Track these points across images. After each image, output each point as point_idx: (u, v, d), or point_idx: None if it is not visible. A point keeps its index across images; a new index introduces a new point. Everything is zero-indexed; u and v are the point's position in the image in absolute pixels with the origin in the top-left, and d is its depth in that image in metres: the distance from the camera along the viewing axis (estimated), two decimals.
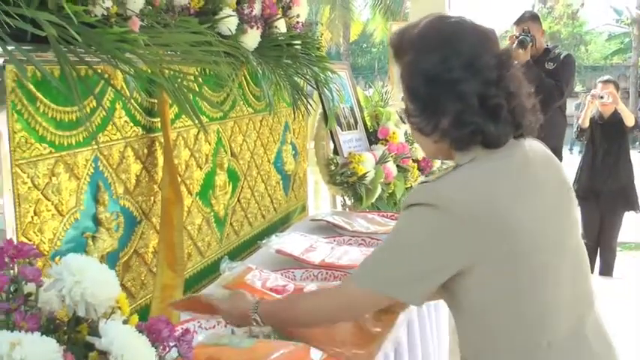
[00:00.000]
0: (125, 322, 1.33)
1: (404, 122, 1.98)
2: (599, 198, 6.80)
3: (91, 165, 1.94)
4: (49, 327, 1.26)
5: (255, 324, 1.98)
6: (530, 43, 6.24)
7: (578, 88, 25.94)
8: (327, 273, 2.69)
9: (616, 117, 6.90)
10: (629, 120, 6.86)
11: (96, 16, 1.73)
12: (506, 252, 1.75)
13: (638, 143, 18.21)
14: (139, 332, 1.32)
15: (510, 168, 1.84)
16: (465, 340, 1.93)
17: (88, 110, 1.91)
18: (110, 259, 2.04)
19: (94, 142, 1.93)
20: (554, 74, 6.37)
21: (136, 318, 1.37)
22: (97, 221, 1.98)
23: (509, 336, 1.83)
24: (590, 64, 37.93)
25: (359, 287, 1.86)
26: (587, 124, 7.02)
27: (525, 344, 1.82)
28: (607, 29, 43.03)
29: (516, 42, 6.26)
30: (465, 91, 1.79)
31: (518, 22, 6.49)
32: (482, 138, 1.82)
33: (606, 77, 7.47)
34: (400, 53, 1.95)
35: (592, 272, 6.85)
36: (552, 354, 1.81)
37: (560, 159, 6.78)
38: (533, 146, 1.95)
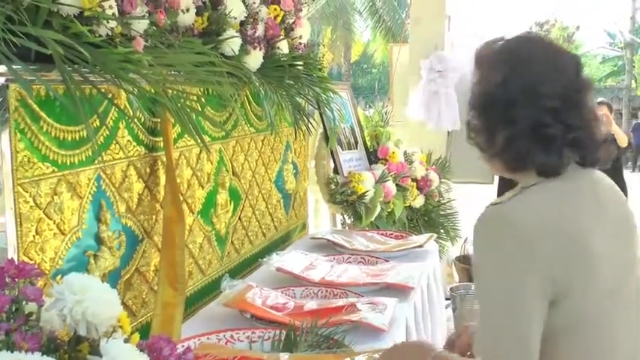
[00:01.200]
0: (126, 340, 1.31)
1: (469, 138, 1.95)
2: None
3: (93, 184, 1.92)
4: (50, 346, 1.24)
5: None
6: None
7: None
8: (326, 291, 2.68)
9: (610, 138, 6.89)
10: (623, 141, 6.90)
11: (100, 36, 1.72)
12: (582, 275, 1.69)
13: (630, 163, 18.28)
14: (140, 351, 1.30)
15: (580, 194, 1.78)
16: None
17: (91, 130, 1.89)
18: (112, 278, 2.01)
19: (96, 161, 1.91)
20: None
21: (137, 337, 1.35)
22: (99, 240, 1.96)
23: None
24: None
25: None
26: None
27: None
28: (601, 52, 43.27)
29: None
30: (518, 115, 1.75)
31: None
32: (532, 165, 1.77)
33: (600, 99, 7.51)
34: (475, 66, 1.94)
35: None
36: None
37: None
38: (600, 177, 1.89)
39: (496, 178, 6.97)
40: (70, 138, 1.81)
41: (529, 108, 1.75)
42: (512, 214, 1.72)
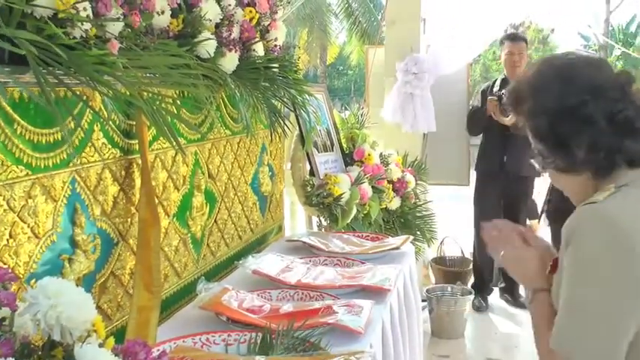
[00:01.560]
0: (101, 345, 1.30)
1: (542, 170, 1.96)
2: (566, 216, 6.81)
3: (68, 187, 1.90)
4: (23, 352, 1.23)
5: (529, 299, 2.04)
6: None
7: None
8: (303, 293, 2.67)
9: None
10: None
11: (75, 38, 1.71)
12: None
13: None
14: (115, 355, 1.29)
15: None
16: None
17: (67, 132, 1.88)
18: (87, 281, 2.00)
19: (71, 164, 1.90)
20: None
21: (112, 341, 1.34)
22: (73, 243, 1.94)
23: None
24: None
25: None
26: None
27: None
28: None
29: (501, 107, 6.16)
30: (589, 113, 1.77)
31: (514, 40, 6.45)
32: (624, 157, 1.78)
33: None
34: (520, 103, 1.95)
35: None
36: None
37: (533, 182, 6.83)
38: None
39: (472, 180, 7.00)
40: (44, 141, 1.80)
41: (596, 102, 1.77)
42: (616, 214, 1.73)
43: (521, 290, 6.89)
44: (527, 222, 7.33)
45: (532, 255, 2.08)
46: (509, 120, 6.16)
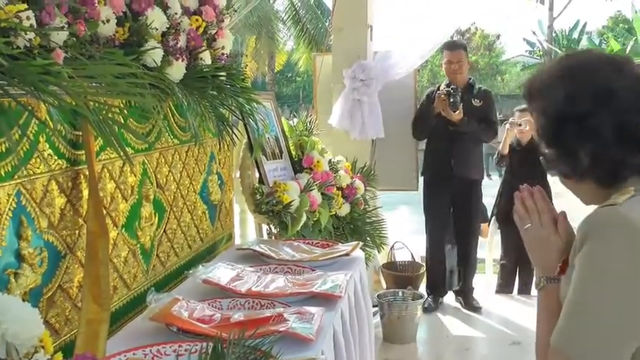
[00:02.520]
0: None
1: (548, 171, 1.91)
2: None
3: (13, 200, 1.87)
4: None
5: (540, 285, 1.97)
6: (461, 103, 6.32)
7: None
8: (253, 302, 2.66)
9: (533, 143, 7.05)
10: None
11: (18, 47, 1.68)
12: None
13: None
14: None
15: None
16: None
17: (12, 143, 1.86)
18: (33, 295, 1.97)
19: (16, 176, 1.87)
20: (481, 111, 6.51)
21: (60, 356, 1.33)
22: (19, 257, 1.91)
23: None
24: (506, 92, 38.77)
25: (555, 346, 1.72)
26: (506, 150, 7.19)
27: None
28: (521, 60, 44.23)
29: (449, 103, 6.29)
30: (596, 125, 1.69)
31: (452, 49, 6.55)
32: (631, 169, 1.72)
33: (523, 106, 7.64)
34: (531, 99, 1.89)
35: (511, 292, 6.95)
36: None
37: (480, 185, 6.92)
38: None
39: (420, 185, 7.06)
40: None
41: (605, 113, 1.70)
42: (637, 217, 1.66)
43: (475, 294, 6.99)
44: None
45: (557, 243, 2.00)
46: (457, 115, 6.27)
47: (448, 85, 6.48)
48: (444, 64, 6.66)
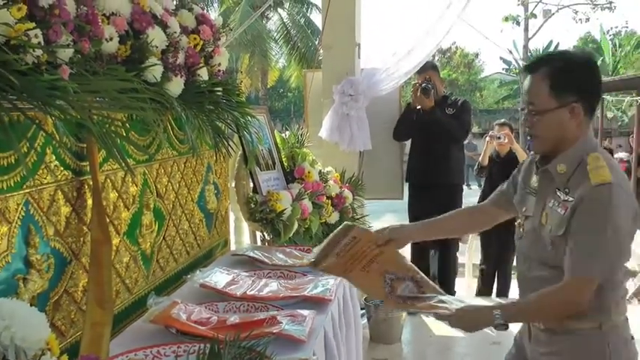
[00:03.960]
0: None
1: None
2: (498, 229, 6.94)
3: (22, 209, 1.87)
4: None
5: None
6: (432, 90, 6.41)
7: (474, 129, 26.56)
8: (248, 305, 2.66)
9: (511, 155, 7.11)
10: (523, 157, 7.08)
11: (27, 64, 1.68)
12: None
13: None
14: None
15: None
16: None
17: (20, 155, 1.85)
18: (41, 300, 1.96)
19: (25, 186, 1.86)
20: (454, 118, 6.56)
21: (65, 358, 1.32)
22: (28, 263, 1.90)
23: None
24: (485, 107, 38.91)
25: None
26: (486, 162, 7.22)
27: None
28: (499, 77, 44.48)
29: (420, 90, 6.41)
30: None
31: (421, 72, 6.62)
32: None
33: (502, 120, 7.70)
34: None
35: (490, 295, 6.95)
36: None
37: (461, 191, 6.96)
38: None
39: (405, 194, 7.06)
40: None
41: None
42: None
43: (457, 295, 7.00)
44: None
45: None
46: (429, 102, 6.38)
47: None
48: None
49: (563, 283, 2.34)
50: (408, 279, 2.58)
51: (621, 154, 18.94)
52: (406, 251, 7.11)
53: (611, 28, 38.96)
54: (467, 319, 2.39)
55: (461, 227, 3.17)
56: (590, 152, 2.35)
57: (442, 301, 2.48)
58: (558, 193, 2.36)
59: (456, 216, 3.05)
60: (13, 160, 1.81)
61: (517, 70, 36.45)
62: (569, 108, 2.33)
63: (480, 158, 7.39)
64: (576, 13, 28.34)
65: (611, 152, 16.90)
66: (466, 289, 7.49)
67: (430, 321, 6.63)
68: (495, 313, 2.35)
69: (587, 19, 29.62)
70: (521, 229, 2.59)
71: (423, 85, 6.45)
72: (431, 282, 2.63)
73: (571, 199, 2.30)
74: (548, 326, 2.47)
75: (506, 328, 2.33)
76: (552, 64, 2.35)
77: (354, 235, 2.72)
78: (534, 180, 2.53)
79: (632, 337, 2.50)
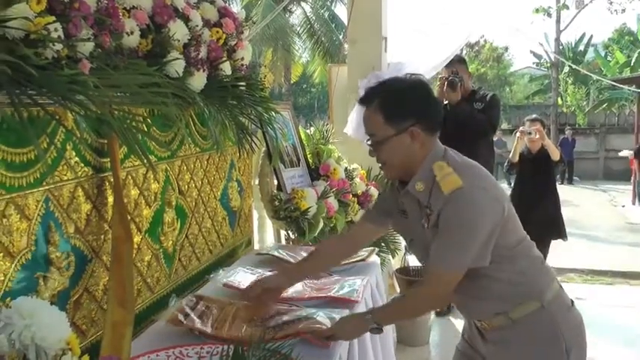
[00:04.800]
0: None
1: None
2: (529, 227, 6.89)
3: (42, 206, 1.87)
4: None
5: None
6: (459, 84, 6.36)
7: (504, 125, 26.41)
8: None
9: (543, 152, 7.03)
10: (555, 155, 7.01)
11: (47, 58, 1.68)
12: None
13: (559, 176, 18.53)
14: None
15: None
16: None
17: (40, 151, 1.85)
18: (61, 298, 1.97)
19: (44, 183, 1.86)
20: (482, 113, 6.51)
21: (87, 358, 1.32)
22: (48, 261, 1.91)
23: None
24: (514, 103, 38.71)
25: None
26: (517, 158, 7.15)
27: None
28: (529, 71, 44.21)
29: (446, 83, 6.37)
30: None
31: (448, 65, 6.59)
32: None
33: (534, 116, 7.62)
34: None
35: None
36: None
37: None
38: None
39: None
40: (18, 160, 1.77)
41: None
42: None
43: None
44: None
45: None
46: (454, 95, 6.32)
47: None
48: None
49: (422, 279, 2.57)
50: (276, 315, 2.55)
51: None
52: None
53: None
54: (347, 329, 2.46)
55: (332, 257, 2.98)
56: (435, 162, 2.43)
57: (307, 318, 2.47)
58: (427, 211, 2.44)
59: (322, 248, 3.06)
60: (32, 156, 1.81)
61: (548, 64, 36.22)
62: (408, 133, 2.42)
63: (510, 155, 7.33)
64: (611, 3, 27.93)
65: None
66: None
67: (458, 322, 6.61)
68: (367, 318, 2.47)
69: (624, 10, 29.25)
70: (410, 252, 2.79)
71: (450, 78, 6.41)
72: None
73: (435, 214, 2.39)
74: (494, 325, 2.57)
75: (381, 331, 2.48)
76: (383, 95, 2.45)
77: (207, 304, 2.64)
78: (402, 203, 2.60)
79: (572, 302, 2.65)
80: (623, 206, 17.19)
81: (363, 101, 2.50)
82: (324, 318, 2.46)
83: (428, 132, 2.44)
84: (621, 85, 25.56)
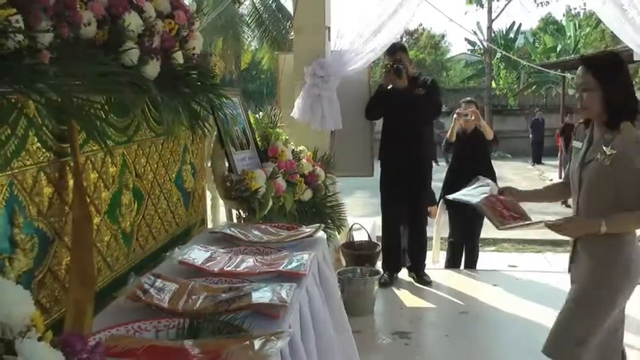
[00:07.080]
0: (40, 339, 1.28)
1: None
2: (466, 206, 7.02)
3: (6, 190, 1.86)
4: None
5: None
6: (404, 70, 6.42)
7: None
8: (225, 280, 2.66)
9: (477, 132, 7.17)
10: (489, 134, 7.17)
11: (8, 49, 1.66)
12: None
13: (494, 153, 18.82)
14: (54, 347, 1.27)
15: None
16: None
17: (3, 138, 1.84)
18: (26, 278, 1.95)
19: (8, 168, 1.85)
20: (426, 98, 6.59)
21: (50, 334, 1.32)
22: (13, 243, 1.90)
23: None
24: (451, 87, 39.04)
25: None
26: (454, 138, 7.28)
27: None
28: (464, 57, 44.66)
29: (393, 70, 6.42)
30: None
31: (391, 53, 6.63)
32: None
33: (469, 98, 7.79)
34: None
35: (459, 267, 7.09)
36: None
37: (432, 167, 7.03)
38: None
39: (377, 172, 7.09)
40: None
41: None
42: None
43: (426, 270, 7.07)
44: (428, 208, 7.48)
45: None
46: (401, 82, 6.38)
47: None
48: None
49: None
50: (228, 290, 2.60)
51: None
52: (371, 226, 7.18)
53: (571, 10, 39.23)
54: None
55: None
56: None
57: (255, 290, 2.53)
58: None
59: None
60: None
61: (481, 51, 36.69)
62: None
63: (448, 135, 7.45)
64: None
65: (572, 127, 17.06)
66: (429, 263, 7.53)
67: (401, 293, 6.71)
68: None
69: (548, 2, 29.93)
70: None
71: (395, 65, 6.45)
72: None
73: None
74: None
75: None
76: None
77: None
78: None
79: None
80: (551, 180, 17.64)
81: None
82: (269, 291, 2.46)
83: None
84: (548, 70, 26.09)
